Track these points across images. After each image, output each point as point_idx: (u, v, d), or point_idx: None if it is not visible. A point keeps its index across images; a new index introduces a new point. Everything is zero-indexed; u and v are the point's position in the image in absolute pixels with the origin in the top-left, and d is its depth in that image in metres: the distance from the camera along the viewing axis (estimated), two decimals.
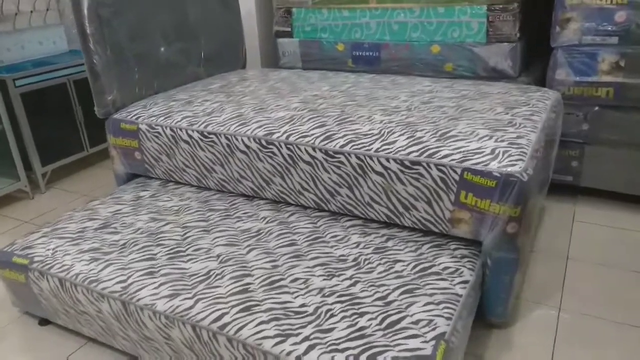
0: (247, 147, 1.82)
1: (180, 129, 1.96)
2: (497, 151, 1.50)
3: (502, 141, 1.55)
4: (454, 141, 1.57)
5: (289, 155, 1.75)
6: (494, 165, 1.45)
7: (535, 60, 2.67)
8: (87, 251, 1.65)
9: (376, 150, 1.60)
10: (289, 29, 2.94)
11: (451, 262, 1.51)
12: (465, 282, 1.43)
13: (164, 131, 2.00)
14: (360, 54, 2.75)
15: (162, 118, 2.03)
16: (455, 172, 1.49)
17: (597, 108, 2.24)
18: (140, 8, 2.23)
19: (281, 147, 1.76)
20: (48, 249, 1.68)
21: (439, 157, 1.52)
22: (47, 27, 3.12)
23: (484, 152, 1.50)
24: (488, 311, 1.62)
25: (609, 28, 2.10)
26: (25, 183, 2.73)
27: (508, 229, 1.46)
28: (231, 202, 1.94)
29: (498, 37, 2.39)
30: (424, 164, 1.53)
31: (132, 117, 2.10)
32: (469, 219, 1.52)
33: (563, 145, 2.35)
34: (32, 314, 1.80)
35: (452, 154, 1.51)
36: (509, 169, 1.43)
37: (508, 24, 2.35)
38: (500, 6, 2.32)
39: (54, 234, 1.77)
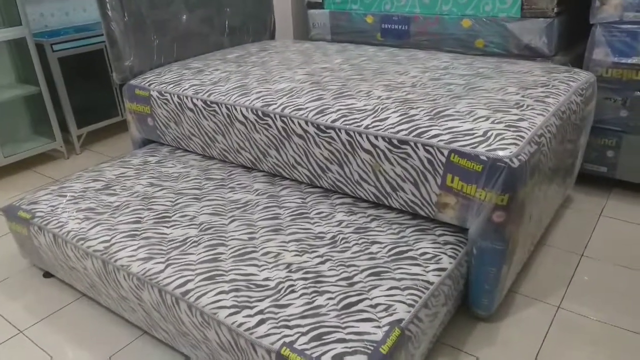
0: (245, 117, 1.81)
1: (186, 97, 1.98)
2: (489, 133, 1.38)
3: (499, 123, 1.43)
4: (446, 121, 1.47)
5: (283, 128, 1.72)
6: (481, 149, 1.34)
7: (579, 39, 2.44)
8: (83, 210, 1.71)
9: (366, 127, 1.53)
10: (320, 0, 2.87)
11: (432, 247, 1.43)
12: (442, 269, 1.36)
13: (171, 98, 2.03)
14: (390, 26, 2.64)
15: (171, 85, 2.06)
16: (442, 153, 1.40)
17: (637, 93, 2.02)
18: None
19: (276, 119, 1.73)
20: (50, 206, 1.77)
21: (428, 137, 1.43)
22: None
23: (475, 133, 1.39)
24: (473, 303, 1.53)
25: None
26: (60, 143, 2.88)
27: (494, 218, 1.35)
28: (230, 172, 1.94)
29: (533, 12, 2.20)
30: (412, 144, 1.44)
31: (145, 83, 2.14)
32: (454, 204, 1.43)
33: (598, 132, 2.15)
34: (38, 266, 1.91)
35: (442, 134, 1.42)
36: (498, 153, 1.32)
37: None
38: None
39: (59, 192, 1.85)
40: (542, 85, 1.72)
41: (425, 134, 1.44)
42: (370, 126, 1.53)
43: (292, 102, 1.74)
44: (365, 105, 1.63)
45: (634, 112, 2.05)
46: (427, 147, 1.42)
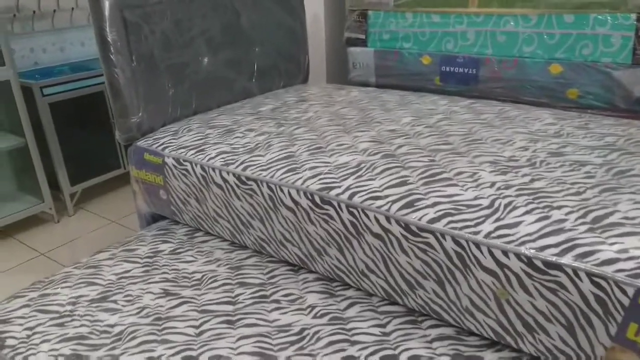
0: (296, 203, 1.32)
1: (213, 169, 1.50)
2: None
3: None
4: (618, 235, 0.98)
5: (351, 222, 1.23)
6: None
7: None
8: (72, 339, 1.21)
9: (487, 235, 1.05)
10: (363, 36, 2.42)
11: None
12: None
13: (193, 169, 1.54)
14: (452, 69, 2.18)
15: (192, 151, 1.58)
16: (623, 290, 0.90)
17: None
18: (180, 9, 1.79)
19: (341, 209, 1.24)
20: (26, 328, 1.27)
21: (596, 261, 0.94)
22: (90, 26, 2.77)
23: None
24: None
25: None
26: (49, 205, 2.39)
27: None
28: (270, 272, 1.44)
29: None
30: (568, 270, 0.95)
31: (158, 146, 1.66)
32: None
33: None
34: None
35: (619, 259, 0.93)
36: None
37: None
38: None
39: (40, 303, 1.35)
40: None
41: (589, 257, 0.94)
42: (493, 234, 1.04)
43: (363, 185, 1.25)
44: (476, 198, 1.14)
45: None
46: (594, 278, 0.93)
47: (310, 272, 1.43)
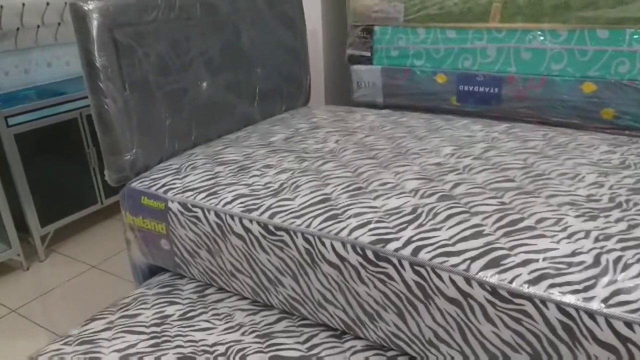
0: (342, 258, 1.10)
1: (232, 217, 1.25)
2: None
3: None
4: None
5: (417, 283, 1.02)
6: None
7: None
8: None
9: (603, 302, 0.85)
10: (369, 53, 2.23)
11: None
12: None
13: (205, 216, 1.30)
14: (471, 88, 2.02)
15: (203, 194, 1.33)
16: None
17: None
18: (176, 28, 1.55)
19: (403, 267, 1.03)
20: None
21: None
22: (58, 45, 2.48)
23: None
24: None
25: None
26: (17, 251, 2.07)
27: None
28: (308, 340, 1.20)
29: None
30: None
31: (158, 188, 1.41)
32: None
33: None
34: None
35: None
36: None
37: None
38: None
39: None
40: None
41: None
42: (609, 301, 0.85)
43: (427, 237, 1.05)
44: (575, 253, 0.95)
45: None
46: None
47: (359, 338, 1.20)
